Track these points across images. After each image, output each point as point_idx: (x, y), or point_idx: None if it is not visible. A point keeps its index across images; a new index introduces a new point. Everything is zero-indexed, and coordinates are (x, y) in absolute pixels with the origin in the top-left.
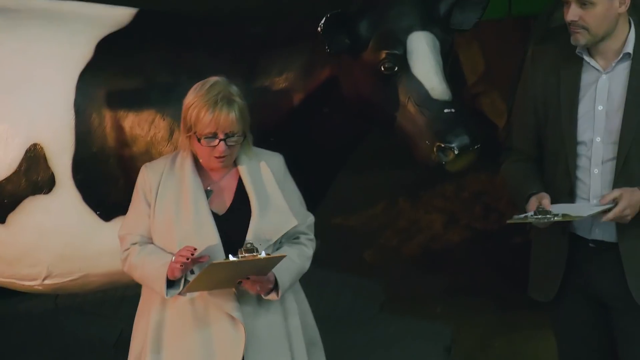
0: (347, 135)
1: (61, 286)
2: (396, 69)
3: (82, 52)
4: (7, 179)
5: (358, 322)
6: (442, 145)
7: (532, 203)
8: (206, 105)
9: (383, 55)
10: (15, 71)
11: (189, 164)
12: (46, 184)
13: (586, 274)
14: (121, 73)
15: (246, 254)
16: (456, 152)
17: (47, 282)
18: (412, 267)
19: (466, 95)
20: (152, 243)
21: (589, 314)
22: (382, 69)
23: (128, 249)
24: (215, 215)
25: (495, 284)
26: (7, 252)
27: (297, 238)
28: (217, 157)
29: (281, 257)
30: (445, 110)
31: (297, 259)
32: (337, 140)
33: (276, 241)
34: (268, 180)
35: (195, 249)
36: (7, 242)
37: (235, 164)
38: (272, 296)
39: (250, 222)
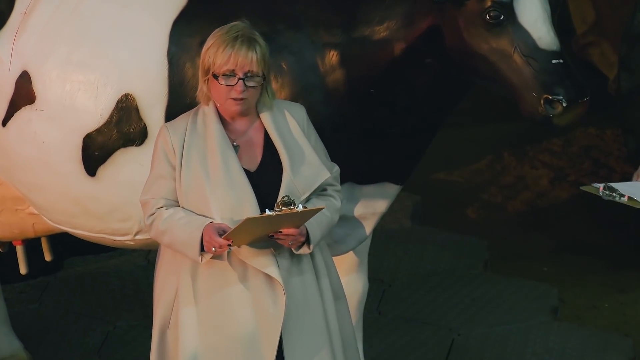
0: (450, 87)
1: (153, 241)
2: (502, 17)
3: (176, 0)
4: (98, 130)
5: (461, 281)
6: (550, 98)
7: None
8: (225, 42)
9: (489, 3)
10: (108, 20)
11: (212, 119)
12: (138, 136)
13: None
14: (216, 21)
15: (283, 208)
16: (564, 104)
17: (138, 237)
18: (517, 224)
19: (575, 46)
20: (177, 206)
21: None
22: (488, 17)
23: (153, 213)
24: (247, 172)
25: (605, 242)
26: (97, 207)
27: (325, 190)
28: (234, 99)
29: (318, 210)
30: (553, 61)
31: (327, 211)
32: (439, 92)
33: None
34: (295, 131)
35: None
36: (97, 196)
37: (257, 115)
38: (304, 250)
39: (283, 177)
